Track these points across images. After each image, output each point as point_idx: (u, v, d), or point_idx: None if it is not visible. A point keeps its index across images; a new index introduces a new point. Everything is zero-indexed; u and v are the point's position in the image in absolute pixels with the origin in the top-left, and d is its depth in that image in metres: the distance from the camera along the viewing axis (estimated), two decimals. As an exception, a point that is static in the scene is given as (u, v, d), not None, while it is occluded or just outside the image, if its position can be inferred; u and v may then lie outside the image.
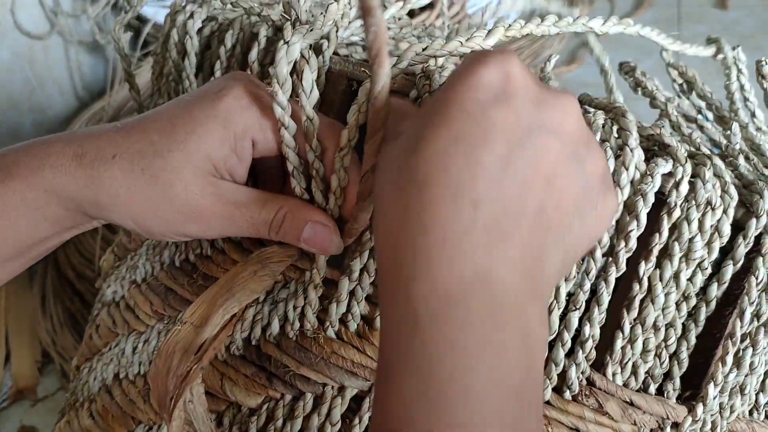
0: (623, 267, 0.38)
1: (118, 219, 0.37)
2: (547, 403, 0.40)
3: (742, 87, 0.56)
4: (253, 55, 0.44)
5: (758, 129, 0.53)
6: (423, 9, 1.28)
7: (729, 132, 0.45)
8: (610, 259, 0.38)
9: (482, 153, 0.28)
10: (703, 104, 0.53)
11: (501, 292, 0.28)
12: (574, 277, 0.38)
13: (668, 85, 0.55)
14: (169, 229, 0.37)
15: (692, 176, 0.39)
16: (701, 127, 0.50)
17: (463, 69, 0.30)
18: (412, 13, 1.30)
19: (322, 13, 0.37)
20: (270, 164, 0.41)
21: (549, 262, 0.30)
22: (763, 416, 0.45)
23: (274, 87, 0.35)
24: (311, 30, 0.36)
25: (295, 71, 0.37)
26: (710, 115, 0.53)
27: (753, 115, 0.55)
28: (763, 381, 0.44)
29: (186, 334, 0.36)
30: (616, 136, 0.39)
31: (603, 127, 0.38)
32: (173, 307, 0.47)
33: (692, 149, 0.43)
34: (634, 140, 0.37)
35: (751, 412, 0.44)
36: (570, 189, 0.30)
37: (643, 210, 0.37)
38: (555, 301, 0.38)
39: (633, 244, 0.37)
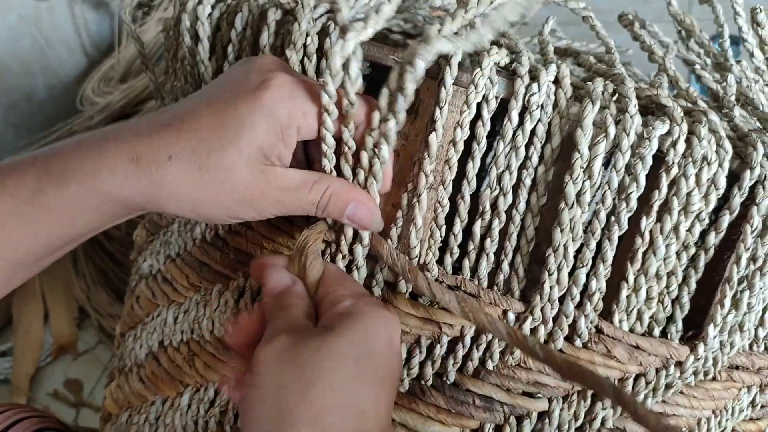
0: (625, 225, 0.41)
1: (177, 212, 0.40)
2: (560, 351, 0.43)
3: (740, 29, 0.57)
4: (264, 39, 0.46)
5: (757, 69, 0.55)
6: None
7: (725, 83, 0.47)
8: (613, 218, 0.41)
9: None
10: (701, 51, 0.54)
11: None
12: (581, 236, 0.41)
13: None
14: (227, 215, 0.40)
15: (689, 133, 0.41)
16: (699, 77, 0.51)
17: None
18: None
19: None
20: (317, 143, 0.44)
21: None
22: (762, 348, 0.48)
23: (326, 78, 0.38)
24: (365, 28, 0.38)
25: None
26: (708, 62, 0.55)
27: (752, 55, 0.57)
28: (762, 316, 0.47)
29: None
30: (616, 101, 0.41)
31: (602, 94, 0.41)
32: (208, 280, 0.50)
33: (689, 105, 0.45)
34: (633, 107, 0.40)
35: (750, 346, 0.47)
36: None
37: (642, 172, 0.39)
38: (564, 259, 0.41)
39: (633, 204, 0.40)
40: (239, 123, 0.37)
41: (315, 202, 0.40)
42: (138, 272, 0.61)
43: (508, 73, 0.44)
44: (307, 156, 0.45)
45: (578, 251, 0.42)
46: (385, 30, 0.61)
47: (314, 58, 0.44)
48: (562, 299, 0.42)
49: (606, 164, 0.41)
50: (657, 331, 0.44)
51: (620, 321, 0.43)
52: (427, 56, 0.39)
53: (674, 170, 0.41)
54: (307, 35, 0.43)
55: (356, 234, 0.44)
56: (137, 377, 0.56)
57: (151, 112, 0.41)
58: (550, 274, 0.41)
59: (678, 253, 0.43)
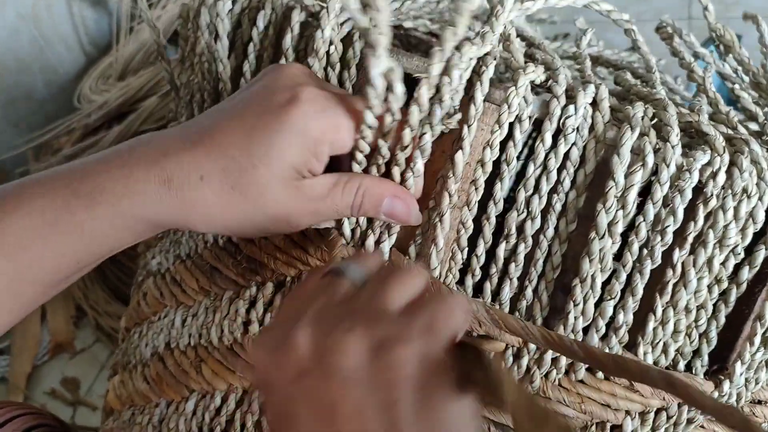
0: (658, 260, 0.39)
1: (208, 229, 0.39)
2: (581, 381, 0.42)
3: (780, 44, 0.55)
4: (287, 42, 0.44)
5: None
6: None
7: (766, 109, 0.45)
8: (645, 251, 0.39)
9: None
10: (740, 69, 0.52)
11: None
12: (610, 267, 0.39)
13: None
14: (262, 232, 0.39)
15: (729, 164, 0.39)
16: (738, 97, 0.49)
17: None
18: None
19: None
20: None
21: None
22: (787, 382, 0.46)
23: (370, 99, 0.36)
24: (381, 35, 0.36)
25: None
26: (746, 79, 0.52)
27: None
28: (789, 351, 0.45)
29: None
30: (656, 127, 0.39)
31: (642, 120, 0.39)
32: (219, 285, 0.49)
33: (729, 131, 0.43)
34: (675, 136, 0.38)
35: (775, 380, 0.46)
36: None
37: (680, 206, 0.38)
38: (590, 290, 0.40)
39: (669, 238, 0.38)
40: (269, 141, 0.36)
41: (349, 203, 0.39)
42: (146, 267, 0.60)
43: (543, 88, 0.42)
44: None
45: (606, 282, 0.40)
46: (411, 28, 0.59)
47: (338, 67, 0.42)
48: (586, 330, 0.41)
49: (641, 193, 0.39)
50: (682, 365, 0.43)
51: (645, 353, 0.42)
52: (460, 65, 0.38)
53: (712, 202, 0.39)
54: (331, 43, 0.41)
55: (376, 248, 0.42)
56: (141, 377, 0.55)
57: (176, 125, 0.39)
58: (575, 305, 0.40)
59: (709, 287, 0.41)
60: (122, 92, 1.12)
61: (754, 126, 0.50)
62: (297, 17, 0.44)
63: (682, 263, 0.40)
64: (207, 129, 0.37)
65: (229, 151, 0.36)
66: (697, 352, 0.43)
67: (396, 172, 0.40)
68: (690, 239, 0.39)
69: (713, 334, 0.42)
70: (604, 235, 0.39)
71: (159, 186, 0.36)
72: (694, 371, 0.43)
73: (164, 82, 1.11)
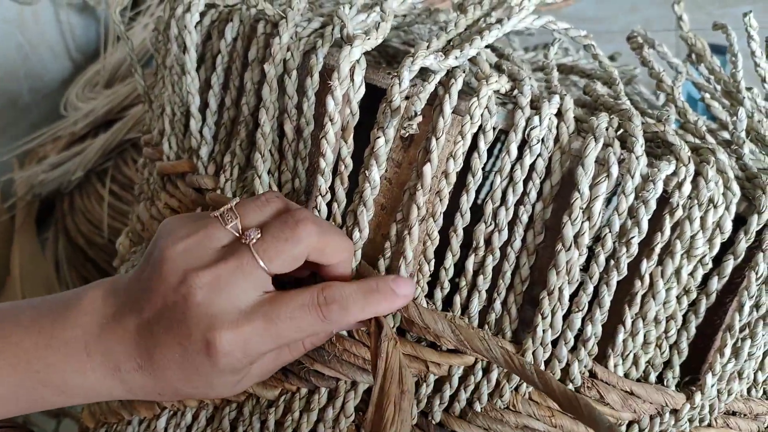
0: (624, 271, 0.38)
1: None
2: (551, 395, 0.42)
3: (752, 53, 0.55)
4: (253, 53, 0.44)
5: (768, 97, 0.53)
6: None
7: (735, 118, 0.45)
8: (612, 262, 0.39)
9: None
10: (711, 77, 0.52)
11: None
12: (577, 279, 0.39)
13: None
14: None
15: (695, 174, 0.39)
16: (708, 106, 0.49)
17: None
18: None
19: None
20: None
21: None
22: (761, 393, 0.46)
23: (334, 83, 0.37)
24: (368, 39, 0.38)
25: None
26: (718, 88, 0.52)
27: (764, 80, 0.54)
28: (762, 361, 0.45)
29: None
30: (621, 138, 0.39)
31: (606, 130, 0.38)
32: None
33: (696, 140, 0.43)
34: (640, 147, 0.37)
35: (749, 391, 0.46)
36: None
37: (645, 217, 0.37)
38: (558, 303, 0.39)
39: (634, 249, 0.38)
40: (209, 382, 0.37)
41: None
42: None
43: (510, 99, 0.41)
44: None
45: (574, 294, 0.40)
46: (387, 40, 0.59)
47: (294, 74, 0.41)
48: (555, 342, 0.40)
49: (607, 202, 0.39)
50: (653, 377, 0.42)
51: (615, 365, 0.41)
52: (411, 67, 0.38)
53: (678, 212, 0.38)
54: (288, 50, 0.41)
55: None
56: (114, 393, 0.54)
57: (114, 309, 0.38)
58: (543, 318, 0.40)
59: (678, 298, 0.41)
60: (109, 100, 1.11)
61: (726, 135, 0.50)
62: (262, 29, 0.44)
63: (650, 274, 0.40)
64: (147, 352, 0.36)
65: (173, 382, 0.37)
66: (668, 364, 0.42)
67: (361, 180, 0.40)
68: (657, 250, 0.39)
69: (684, 345, 0.42)
70: (570, 246, 0.38)
71: (125, 392, 0.38)
72: (665, 383, 0.42)
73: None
